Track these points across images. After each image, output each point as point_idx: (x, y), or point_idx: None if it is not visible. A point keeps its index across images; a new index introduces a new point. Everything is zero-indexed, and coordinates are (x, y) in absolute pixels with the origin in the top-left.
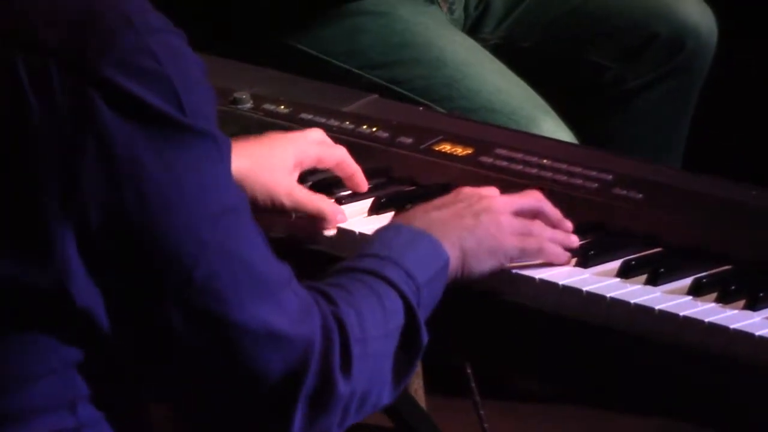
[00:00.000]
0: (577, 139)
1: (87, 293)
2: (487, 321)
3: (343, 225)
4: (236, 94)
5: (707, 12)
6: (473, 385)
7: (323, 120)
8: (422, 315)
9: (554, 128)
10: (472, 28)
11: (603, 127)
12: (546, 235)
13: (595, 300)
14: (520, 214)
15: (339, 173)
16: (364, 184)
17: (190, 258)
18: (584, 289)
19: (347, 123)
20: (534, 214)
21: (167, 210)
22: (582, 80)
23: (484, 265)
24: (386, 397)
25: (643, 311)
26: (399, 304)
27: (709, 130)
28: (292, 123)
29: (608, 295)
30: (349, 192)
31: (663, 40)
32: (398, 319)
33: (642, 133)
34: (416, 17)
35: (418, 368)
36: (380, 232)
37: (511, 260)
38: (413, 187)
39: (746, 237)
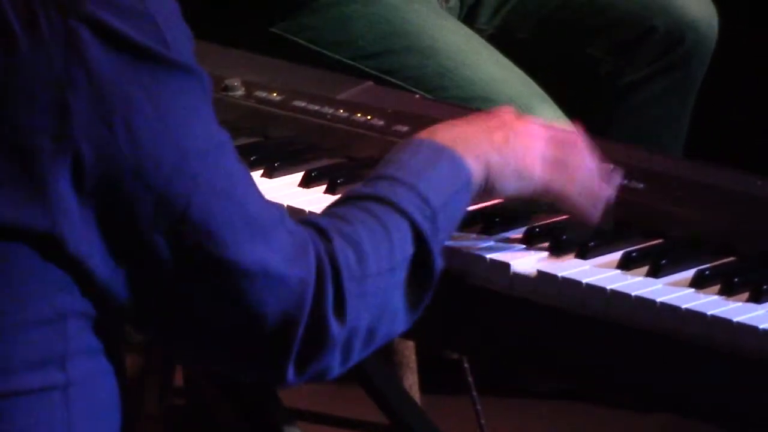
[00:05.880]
0: None
1: (80, 237)
2: (484, 314)
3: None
4: (227, 81)
5: (708, 5)
6: (470, 380)
7: (317, 107)
8: (441, 238)
9: (552, 117)
10: (468, 18)
11: (600, 121)
12: (578, 175)
13: (595, 292)
14: (557, 142)
15: None
16: None
17: (183, 195)
18: (584, 281)
19: (341, 111)
20: (570, 147)
21: (157, 144)
22: (578, 73)
23: (509, 185)
24: (400, 327)
25: (645, 304)
26: (408, 233)
27: (712, 118)
28: (284, 110)
29: (608, 288)
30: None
31: (661, 34)
32: (407, 249)
33: (640, 128)
34: (408, 4)
35: (413, 364)
36: (400, 149)
37: (540, 191)
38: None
39: (750, 228)
